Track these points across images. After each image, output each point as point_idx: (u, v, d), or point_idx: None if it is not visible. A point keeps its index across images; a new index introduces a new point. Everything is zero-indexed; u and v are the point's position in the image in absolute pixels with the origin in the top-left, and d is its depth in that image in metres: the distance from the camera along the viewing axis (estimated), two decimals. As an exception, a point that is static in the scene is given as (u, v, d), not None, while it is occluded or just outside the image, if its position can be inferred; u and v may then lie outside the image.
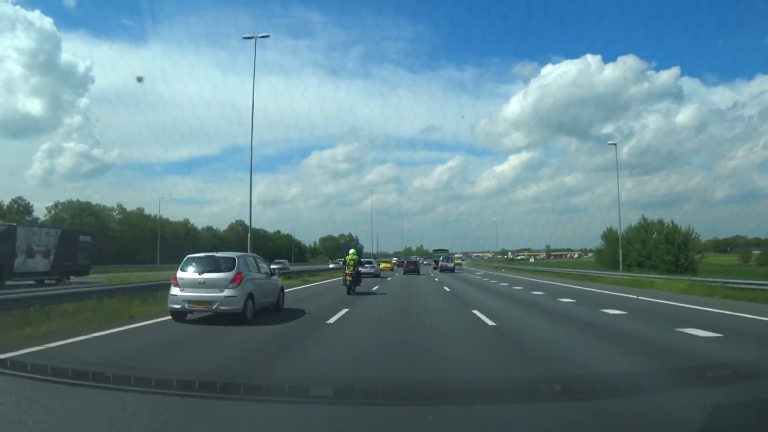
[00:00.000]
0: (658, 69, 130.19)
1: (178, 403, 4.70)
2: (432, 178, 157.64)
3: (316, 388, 5.26)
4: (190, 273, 10.40)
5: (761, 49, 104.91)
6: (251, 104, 34.38)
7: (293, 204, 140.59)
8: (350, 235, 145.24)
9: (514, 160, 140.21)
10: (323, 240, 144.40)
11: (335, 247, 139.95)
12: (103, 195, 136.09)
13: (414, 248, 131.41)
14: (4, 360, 6.24)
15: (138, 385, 5.02)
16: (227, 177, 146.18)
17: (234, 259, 10.68)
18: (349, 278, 18.49)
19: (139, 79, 65.02)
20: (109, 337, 8.53)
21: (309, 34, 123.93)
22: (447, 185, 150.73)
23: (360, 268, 19.87)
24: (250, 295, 10.43)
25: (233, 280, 10.12)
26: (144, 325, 9.98)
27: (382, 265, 46.54)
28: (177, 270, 10.65)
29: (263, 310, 11.50)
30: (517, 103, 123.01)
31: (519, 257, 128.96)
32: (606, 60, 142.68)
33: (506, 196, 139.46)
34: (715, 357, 7.39)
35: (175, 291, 10.26)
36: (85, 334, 8.52)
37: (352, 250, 21.02)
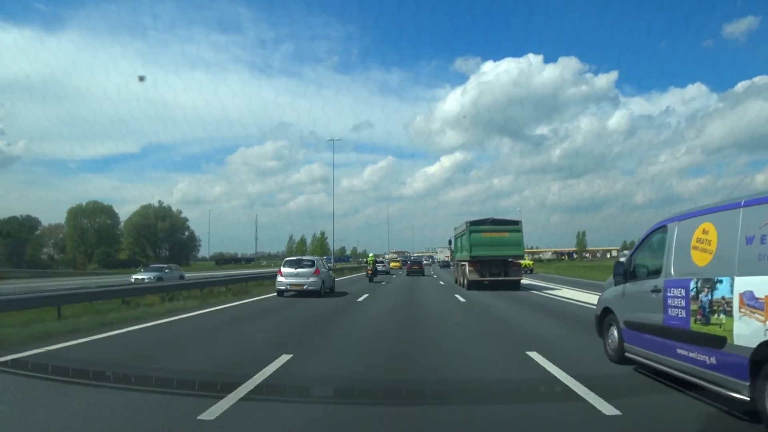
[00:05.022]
0: (597, 72, 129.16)
1: (176, 402, 4.89)
2: (362, 178, 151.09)
3: (316, 387, 5.45)
4: (288, 268, 18.14)
5: (697, 57, 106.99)
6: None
7: (216, 203, 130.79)
8: (166, 206, 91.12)
9: (446, 161, 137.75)
10: (127, 222, 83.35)
11: (149, 235, 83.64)
12: (7, 191, 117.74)
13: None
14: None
15: (139, 384, 5.28)
16: (146, 176, 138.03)
17: (314, 260, 18.65)
18: (369, 272, 30.38)
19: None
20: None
21: (236, 30, 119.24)
22: (377, 186, 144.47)
23: (377, 266, 31.51)
24: (323, 281, 18.22)
25: (315, 272, 17.87)
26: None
27: (392, 264, 61.12)
28: (280, 267, 18.46)
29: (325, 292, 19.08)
30: (455, 101, 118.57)
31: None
32: (547, 60, 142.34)
33: (436, 198, 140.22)
34: None
35: (280, 279, 18.04)
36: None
37: (371, 254, 33.86)
